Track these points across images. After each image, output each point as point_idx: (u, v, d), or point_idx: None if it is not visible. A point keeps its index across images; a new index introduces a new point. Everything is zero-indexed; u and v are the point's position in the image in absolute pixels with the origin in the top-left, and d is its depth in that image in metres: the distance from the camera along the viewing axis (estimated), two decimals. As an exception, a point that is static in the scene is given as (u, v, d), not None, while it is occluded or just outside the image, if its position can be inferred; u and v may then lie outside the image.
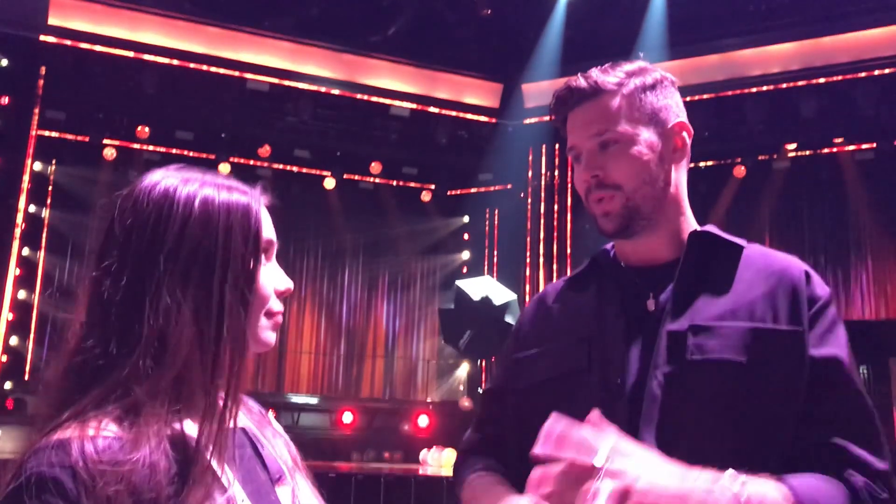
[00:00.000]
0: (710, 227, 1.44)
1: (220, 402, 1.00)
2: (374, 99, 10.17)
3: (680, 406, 1.27)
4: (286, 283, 1.13)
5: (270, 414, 1.25)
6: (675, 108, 1.44)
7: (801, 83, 9.06)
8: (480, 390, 10.43)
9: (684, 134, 1.43)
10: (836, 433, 1.24)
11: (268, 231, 1.11)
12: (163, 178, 1.06)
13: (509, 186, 11.18)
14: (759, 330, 1.29)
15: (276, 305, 1.11)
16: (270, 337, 1.11)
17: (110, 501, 0.87)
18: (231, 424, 1.00)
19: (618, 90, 1.40)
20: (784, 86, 9.15)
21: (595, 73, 1.42)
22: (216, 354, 1.00)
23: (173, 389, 0.97)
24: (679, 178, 1.44)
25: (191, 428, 0.97)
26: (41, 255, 9.73)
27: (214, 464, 0.96)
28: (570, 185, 10.80)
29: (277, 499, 1.06)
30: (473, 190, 11.72)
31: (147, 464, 0.90)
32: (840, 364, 1.29)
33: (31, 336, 9.31)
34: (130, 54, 9.16)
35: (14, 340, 9.14)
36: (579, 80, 1.42)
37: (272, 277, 1.11)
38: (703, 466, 1.23)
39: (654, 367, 1.29)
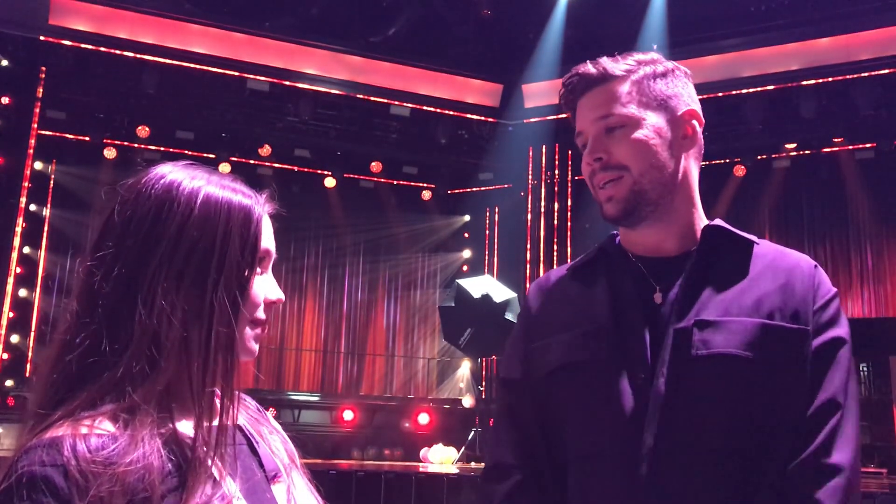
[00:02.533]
0: (720, 222, 1.41)
1: (217, 402, 0.99)
2: (374, 99, 10.16)
3: (682, 403, 1.25)
4: (277, 294, 1.10)
5: (270, 412, 1.24)
6: (685, 98, 1.42)
7: (801, 83, 9.07)
8: (481, 388, 10.47)
9: (694, 122, 1.41)
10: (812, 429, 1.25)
11: (267, 241, 1.07)
12: (169, 173, 1.03)
13: (509, 186, 11.19)
14: (768, 326, 1.27)
15: (262, 315, 1.08)
16: (254, 346, 1.09)
17: (103, 502, 0.85)
18: (227, 423, 0.99)
19: (626, 76, 1.39)
20: (784, 86, 9.15)
21: (604, 60, 1.41)
22: (206, 359, 0.98)
23: (166, 391, 0.96)
24: (689, 167, 1.41)
25: (185, 428, 0.97)
26: (42, 253, 9.77)
27: (211, 465, 0.95)
28: (570, 185, 10.82)
29: (273, 497, 1.05)
30: (474, 189, 11.73)
31: (142, 465, 0.88)
32: (842, 342, 1.30)
33: (32, 334, 9.36)
34: (131, 55, 9.17)
35: (15, 338, 9.19)
36: (588, 67, 1.41)
37: (264, 287, 1.08)
38: (703, 464, 1.23)
39: (661, 364, 1.28)
